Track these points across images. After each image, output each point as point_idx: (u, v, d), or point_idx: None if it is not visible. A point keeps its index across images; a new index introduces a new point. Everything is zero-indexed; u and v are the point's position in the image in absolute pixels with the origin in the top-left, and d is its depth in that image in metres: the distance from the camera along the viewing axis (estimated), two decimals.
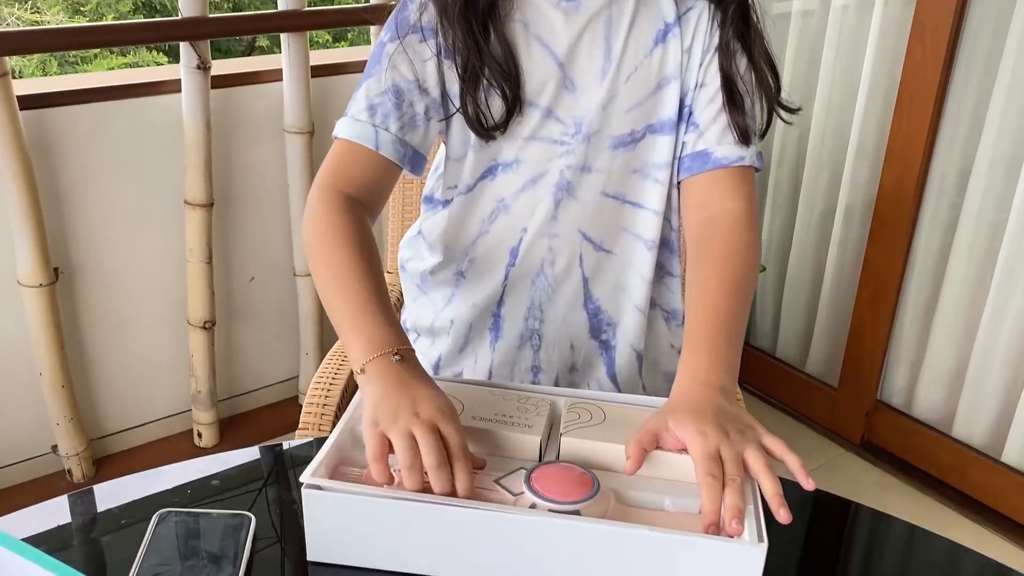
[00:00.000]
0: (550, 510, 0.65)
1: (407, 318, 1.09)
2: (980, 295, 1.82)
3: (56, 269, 1.68)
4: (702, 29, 0.91)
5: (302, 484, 0.65)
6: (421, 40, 0.88)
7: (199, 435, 1.95)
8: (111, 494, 0.76)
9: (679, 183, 0.94)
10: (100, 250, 1.77)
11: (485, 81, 0.87)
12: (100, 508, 0.74)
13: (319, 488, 0.65)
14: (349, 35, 6.64)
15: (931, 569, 0.73)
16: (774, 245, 2.23)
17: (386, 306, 0.79)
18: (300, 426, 1.07)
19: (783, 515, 0.65)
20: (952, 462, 1.91)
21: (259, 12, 2.08)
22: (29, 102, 1.60)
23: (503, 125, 0.89)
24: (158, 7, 9.12)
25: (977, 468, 1.86)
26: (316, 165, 1.88)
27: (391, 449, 0.67)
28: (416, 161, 0.91)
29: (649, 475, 0.72)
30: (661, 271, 1.00)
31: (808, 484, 0.68)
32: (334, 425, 1.01)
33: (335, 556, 0.67)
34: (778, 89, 0.93)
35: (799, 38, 2.04)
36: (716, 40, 0.91)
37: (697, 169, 0.92)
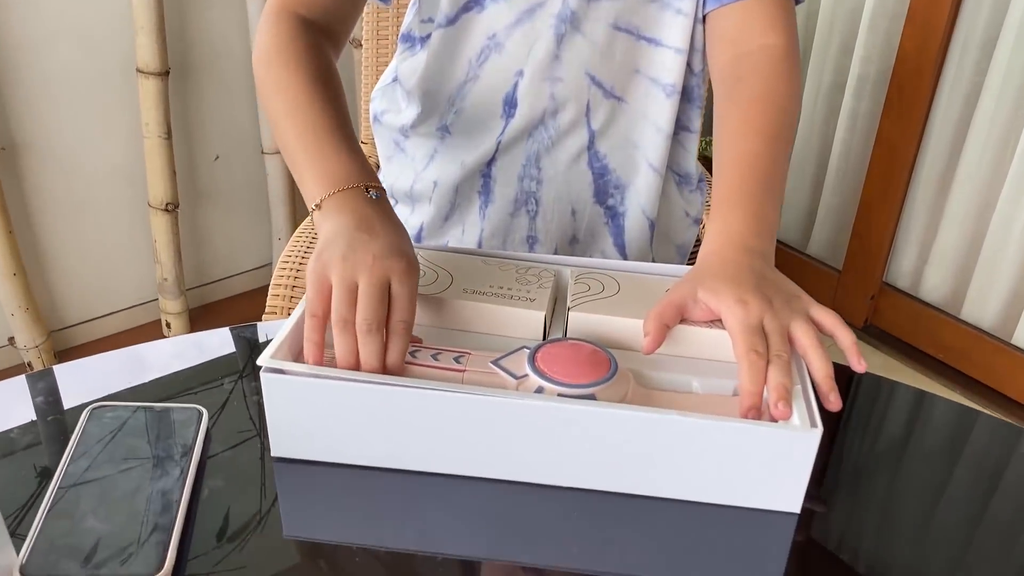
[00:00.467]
0: (559, 395, 0.54)
1: (382, 179, 0.95)
2: (999, 170, 1.70)
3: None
4: None
5: (260, 368, 0.54)
6: None
7: (167, 325, 1.84)
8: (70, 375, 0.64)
9: (704, 16, 0.80)
10: (47, 125, 1.60)
11: None
12: (37, 398, 0.63)
13: (280, 372, 0.54)
14: None
15: (951, 431, 0.64)
16: None
17: (348, 136, 0.67)
18: (267, 310, 0.95)
19: (833, 400, 0.54)
20: (960, 345, 1.83)
21: None
22: None
23: None
24: None
25: (986, 351, 1.79)
26: None
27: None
28: None
29: (674, 353, 0.61)
30: (678, 126, 0.86)
31: (859, 366, 0.57)
32: None
33: (303, 451, 0.56)
34: None
35: None
36: None
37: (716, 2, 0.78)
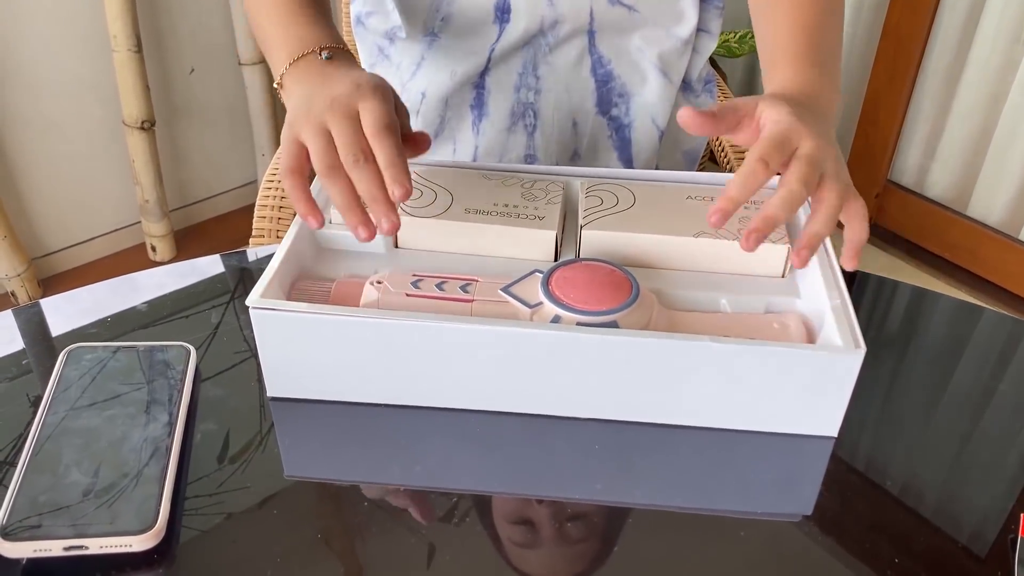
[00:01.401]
0: (578, 323, 0.49)
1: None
2: (1010, 60, 1.63)
3: None
4: None
5: (249, 307, 0.49)
6: None
7: (153, 248, 1.78)
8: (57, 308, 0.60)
9: None
10: (7, 37, 1.51)
11: None
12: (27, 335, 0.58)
13: (272, 310, 0.49)
14: None
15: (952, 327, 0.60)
16: None
17: (313, 10, 0.62)
18: (253, 234, 0.89)
19: (849, 263, 0.49)
20: (967, 243, 1.79)
21: None
22: None
23: None
24: None
25: (993, 248, 1.75)
26: None
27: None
28: None
29: (698, 269, 0.56)
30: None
31: (849, 263, 0.49)
32: None
33: (300, 390, 0.52)
34: None
35: None
36: None
37: None
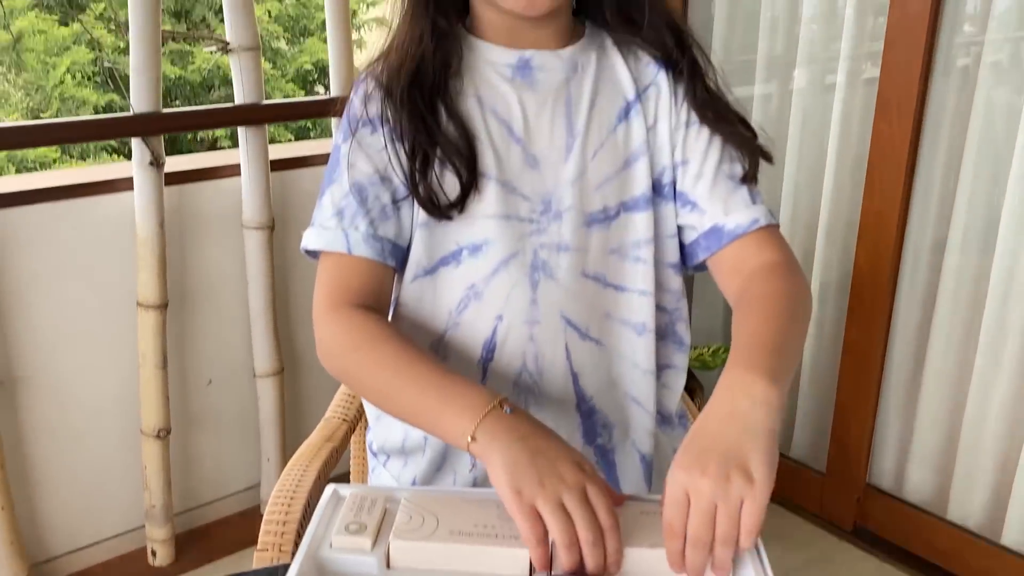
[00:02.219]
0: None
1: (373, 439, 0.99)
2: (965, 371, 1.78)
3: None
4: (664, 106, 0.89)
5: None
6: (372, 132, 0.85)
7: (153, 553, 1.81)
8: None
9: (708, 264, 0.89)
10: (46, 358, 1.67)
11: (437, 160, 0.84)
12: None
13: None
14: (312, 134, 6.69)
15: None
16: None
17: (455, 373, 0.76)
18: (259, 546, 0.96)
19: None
20: (950, 546, 1.82)
21: (215, 106, 2.05)
22: None
23: (459, 204, 0.85)
24: (117, 111, 9.19)
25: (976, 552, 1.78)
26: (277, 260, 1.82)
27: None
28: (396, 253, 0.86)
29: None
30: (658, 364, 0.92)
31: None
32: (296, 544, 0.91)
33: None
34: (755, 135, 0.90)
35: (763, 120, 2.04)
36: (684, 116, 0.89)
37: (715, 247, 0.87)
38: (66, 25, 8.75)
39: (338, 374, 0.84)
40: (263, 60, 1.84)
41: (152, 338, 1.70)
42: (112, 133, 1.70)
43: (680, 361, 0.94)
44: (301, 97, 6.24)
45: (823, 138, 1.91)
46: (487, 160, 0.85)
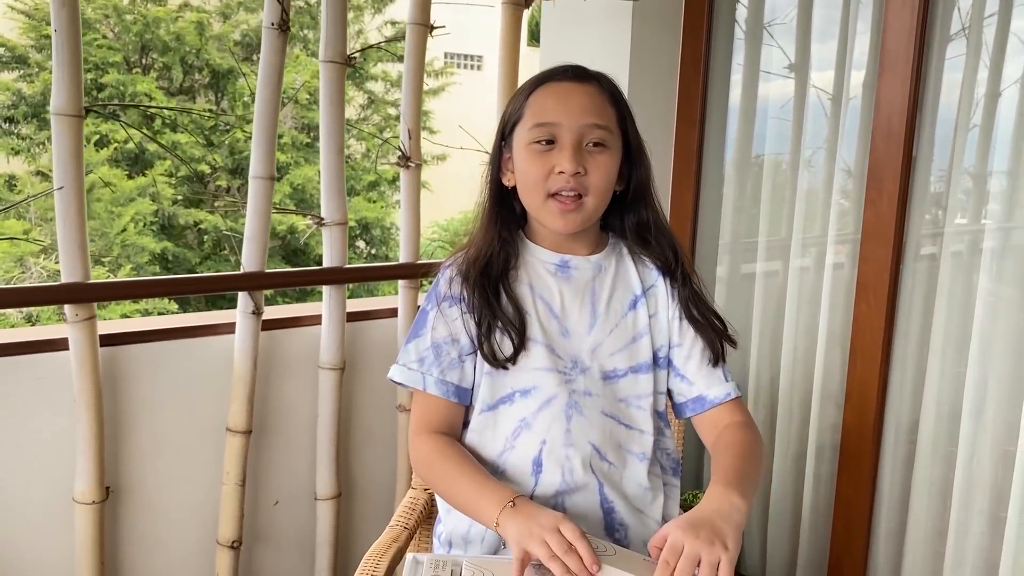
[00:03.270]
0: None
1: (442, 530, 1.28)
2: (943, 521, 2.01)
3: (108, 488, 1.86)
4: (663, 301, 1.26)
5: None
6: (450, 305, 1.23)
7: None
8: None
9: (692, 420, 1.25)
10: (145, 472, 1.95)
11: (498, 329, 1.19)
12: None
13: None
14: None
15: None
16: None
17: (492, 479, 1.13)
18: None
19: None
20: None
21: (307, 268, 2.43)
22: (107, 340, 1.86)
23: (512, 359, 1.20)
24: (170, 259, 9.78)
25: None
26: (344, 396, 2.12)
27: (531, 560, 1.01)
28: (460, 393, 1.22)
29: None
30: (654, 484, 1.23)
31: None
32: None
33: None
34: (725, 327, 1.26)
35: (765, 294, 2.37)
36: (676, 311, 1.26)
37: (700, 409, 1.25)
38: (131, 179, 9.50)
39: (423, 479, 1.21)
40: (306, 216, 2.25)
41: (236, 459, 1.98)
42: (227, 287, 2.05)
43: (672, 482, 1.26)
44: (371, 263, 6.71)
45: (816, 312, 2.23)
46: (535, 329, 1.21)
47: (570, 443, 1.19)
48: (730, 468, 1.11)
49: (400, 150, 2.09)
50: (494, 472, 1.21)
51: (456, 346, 1.21)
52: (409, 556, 1.02)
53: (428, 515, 1.60)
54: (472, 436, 1.22)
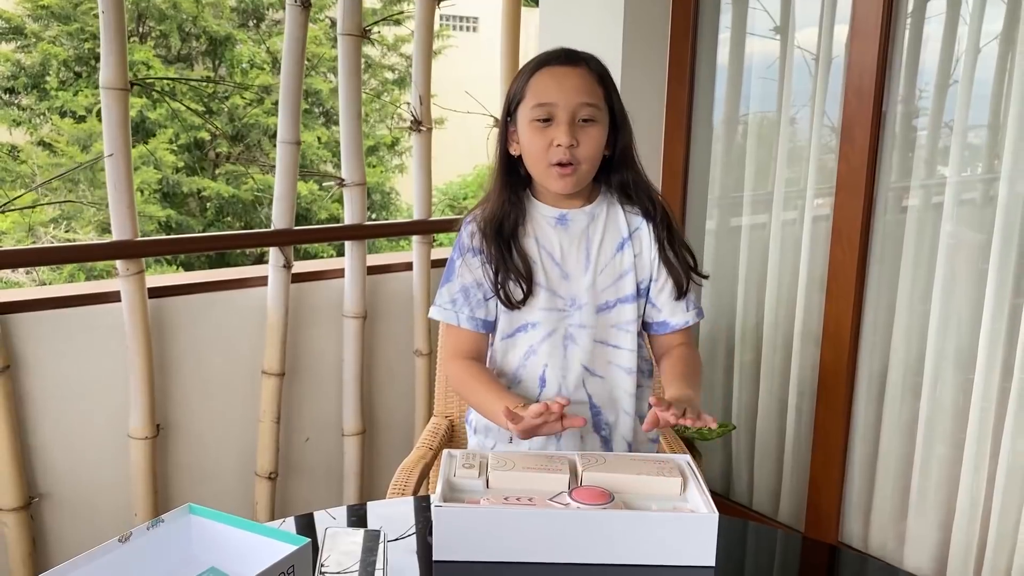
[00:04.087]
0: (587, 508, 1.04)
1: (472, 418, 1.56)
2: (909, 446, 2.23)
3: (158, 425, 2.07)
4: (646, 243, 1.48)
5: (434, 506, 1.04)
6: (473, 255, 1.46)
7: None
8: None
9: (650, 336, 1.49)
10: (191, 411, 2.17)
11: (511, 280, 1.43)
12: None
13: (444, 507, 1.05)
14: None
15: None
16: (743, 414, 2.65)
17: (507, 392, 1.39)
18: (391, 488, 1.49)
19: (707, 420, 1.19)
20: None
21: (331, 226, 2.64)
22: (154, 292, 2.06)
23: (522, 302, 1.44)
24: (174, 227, 9.94)
25: None
26: (367, 342, 2.33)
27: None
28: (487, 325, 1.47)
29: (638, 492, 1.12)
30: (638, 389, 1.48)
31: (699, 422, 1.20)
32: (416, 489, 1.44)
33: (457, 554, 1.05)
34: (695, 263, 1.49)
35: (750, 245, 2.57)
36: (657, 251, 1.48)
37: (662, 331, 1.49)
38: (134, 147, 9.64)
39: (456, 391, 1.49)
40: (312, 182, 2.38)
41: (271, 399, 2.19)
42: (260, 243, 2.25)
43: (647, 383, 1.52)
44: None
45: (796, 258, 2.43)
46: (540, 275, 1.44)
47: (565, 366, 1.45)
48: (684, 375, 1.41)
49: (412, 115, 2.28)
50: (513, 382, 1.47)
51: (481, 289, 1.45)
52: (445, 452, 1.23)
53: (449, 438, 1.82)
54: (497, 355, 1.49)
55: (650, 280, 1.48)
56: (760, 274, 2.54)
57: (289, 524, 1.22)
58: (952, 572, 2.15)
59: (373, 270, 2.34)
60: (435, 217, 2.43)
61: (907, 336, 2.22)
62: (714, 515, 1.01)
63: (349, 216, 2.26)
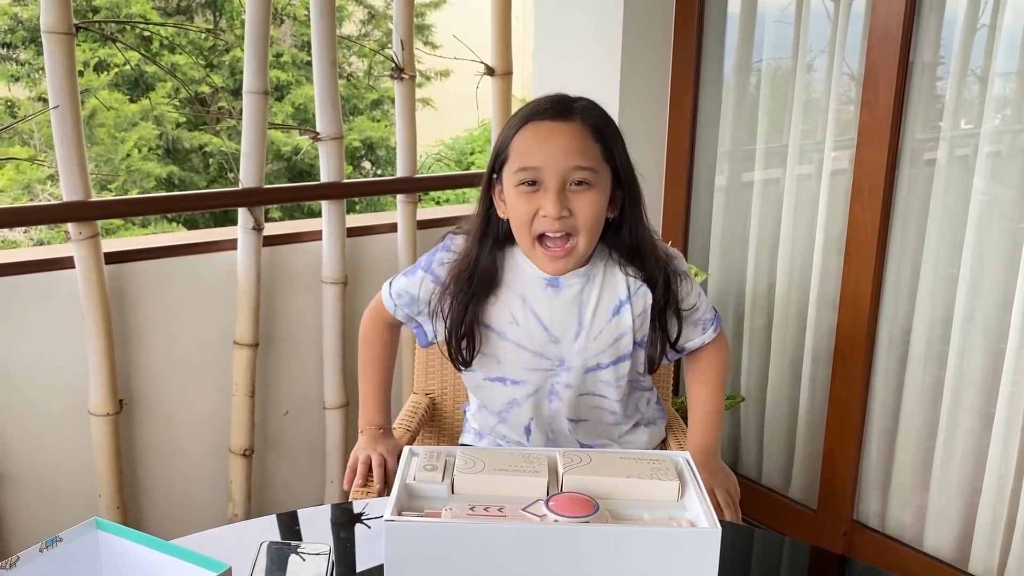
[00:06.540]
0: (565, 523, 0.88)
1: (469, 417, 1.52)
2: (933, 420, 2.06)
3: (121, 400, 1.93)
4: (647, 306, 1.32)
5: (385, 520, 0.88)
6: (434, 283, 1.33)
7: None
8: None
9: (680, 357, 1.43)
10: (157, 384, 2.02)
11: (464, 343, 1.31)
12: None
13: (397, 521, 0.88)
14: (357, 208, 7.18)
15: None
16: (752, 384, 2.48)
17: (384, 396, 1.38)
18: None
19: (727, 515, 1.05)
20: (927, 574, 2.08)
21: (304, 184, 2.44)
22: (112, 258, 1.90)
23: (467, 365, 1.34)
24: (176, 183, 9.79)
25: None
26: (348, 310, 2.17)
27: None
28: (419, 330, 1.40)
29: (628, 497, 0.95)
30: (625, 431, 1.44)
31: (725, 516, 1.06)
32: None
33: None
34: (680, 333, 1.36)
35: (763, 202, 2.38)
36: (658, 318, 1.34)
37: (686, 353, 1.42)
38: (134, 102, 9.42)
39: (359, 345, 1.45)
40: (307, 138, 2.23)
41: (244, 371, 2.04)
42: (226, 203, 2.08)
43: (655, 425, 1.48)
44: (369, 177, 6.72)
45: (812, 218, 2.25)
46: (522, 338, 1.31)
47: (551, 421, 1.38)
48: (706, 415, 1.35)
49: (393, 60, 2.09)
50: (498, 422, 1.41)
51: (427, 307, 1.35)
52: (406, 450, 1.07)
53: (430, 418, 1.66)
54: (480, 392, 1.40)
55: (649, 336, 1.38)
56: (773, 233, 2.36)
57: (271, 521, 1.14)
58: (976, 552, 2.00)
59: (354, 232, 2.17)
60: (437, 172, 2.24)
61: (932, 301, 2.04)
62: (716, 530, 0.85)
63: (325, 174, 2.08)
